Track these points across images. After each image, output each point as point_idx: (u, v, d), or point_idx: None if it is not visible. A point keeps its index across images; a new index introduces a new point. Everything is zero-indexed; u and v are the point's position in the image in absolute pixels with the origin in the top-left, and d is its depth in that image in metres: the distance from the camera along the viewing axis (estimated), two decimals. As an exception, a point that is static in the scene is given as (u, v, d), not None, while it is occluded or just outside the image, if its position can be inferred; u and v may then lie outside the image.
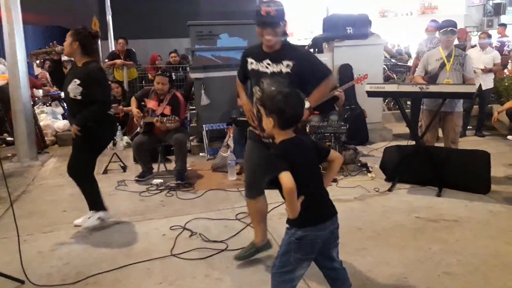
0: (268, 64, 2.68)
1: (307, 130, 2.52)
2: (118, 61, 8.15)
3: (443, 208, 3.85)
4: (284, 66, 2.63)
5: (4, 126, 7.59)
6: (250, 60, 2.79)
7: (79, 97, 3.36)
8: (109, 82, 6.83)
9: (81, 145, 3.49)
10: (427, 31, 6.86)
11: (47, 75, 8.88)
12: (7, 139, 7.33)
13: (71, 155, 3.56)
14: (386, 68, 9.60)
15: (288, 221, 2.07)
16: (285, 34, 2.71)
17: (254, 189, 2.90)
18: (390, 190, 4.37)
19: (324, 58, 6.62)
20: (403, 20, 18.19)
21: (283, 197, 1.98)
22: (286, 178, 1.89)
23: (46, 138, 7.09)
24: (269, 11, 2.57)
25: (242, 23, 6.31)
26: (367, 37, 6.80)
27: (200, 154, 6.20)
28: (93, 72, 3.39)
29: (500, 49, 9.02)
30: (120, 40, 8.41)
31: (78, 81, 3.33)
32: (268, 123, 2.05)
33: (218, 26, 6.34)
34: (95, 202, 3.65)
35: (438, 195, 4.17)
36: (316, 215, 2.04)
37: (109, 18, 15.22)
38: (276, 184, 1.98)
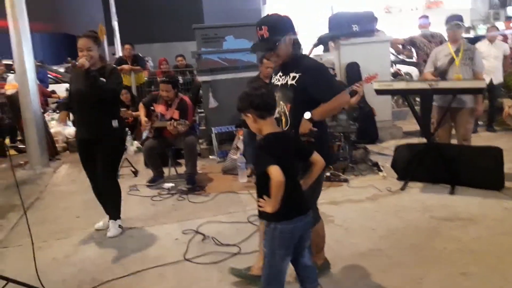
0: (280, 76, 2.60)
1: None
2: (125, 67, 8.17)
3: (457, 206, 3.81)
4: (290, 78, 2.51)
5: (16, 134, 7.68)
6: (273, 75, 2.72)
7: None
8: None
9: (117, 154, 3.70)
10: (420, 27, 6.89)
11: None
12: (19, 146, 7.39)
13: (104, 166, 3.58)
14: (394, 64, 9.57)
15: (265, 216, 2.12)
16: (296, 44, 2.54)
17: None
18: (402, 189, 4.33)
19: (330, 56, 6.60)
20: (408, 15, 18.04)
21: (261, 195, 2.06)
22: (276, 171, 1.95)
23: (57, 145, 7.13)
24: (262, 34, 2.46)
25: (247, 25, 6.29)
26: (373, 34, 6.76)
27: (210, 157, 6.20)
28: (114, 69, 3.63)
29: (503, 41, 8.93)
30: (127, 46, 8.42)
31: (102, 80, 3.39)
32: (250, 121, 2.14)
33: (223, 28, 6.33)
34: (119, 210, 3.75)
35: (451, 193, 4.12)
36: (293, 208, 2.10)
37: (115, 24, 15.34)
38: (261, 179, 2.05)
